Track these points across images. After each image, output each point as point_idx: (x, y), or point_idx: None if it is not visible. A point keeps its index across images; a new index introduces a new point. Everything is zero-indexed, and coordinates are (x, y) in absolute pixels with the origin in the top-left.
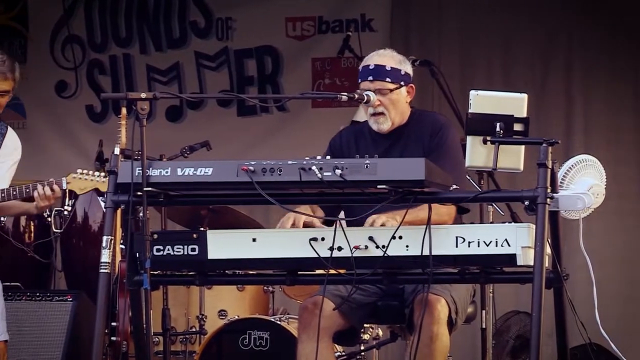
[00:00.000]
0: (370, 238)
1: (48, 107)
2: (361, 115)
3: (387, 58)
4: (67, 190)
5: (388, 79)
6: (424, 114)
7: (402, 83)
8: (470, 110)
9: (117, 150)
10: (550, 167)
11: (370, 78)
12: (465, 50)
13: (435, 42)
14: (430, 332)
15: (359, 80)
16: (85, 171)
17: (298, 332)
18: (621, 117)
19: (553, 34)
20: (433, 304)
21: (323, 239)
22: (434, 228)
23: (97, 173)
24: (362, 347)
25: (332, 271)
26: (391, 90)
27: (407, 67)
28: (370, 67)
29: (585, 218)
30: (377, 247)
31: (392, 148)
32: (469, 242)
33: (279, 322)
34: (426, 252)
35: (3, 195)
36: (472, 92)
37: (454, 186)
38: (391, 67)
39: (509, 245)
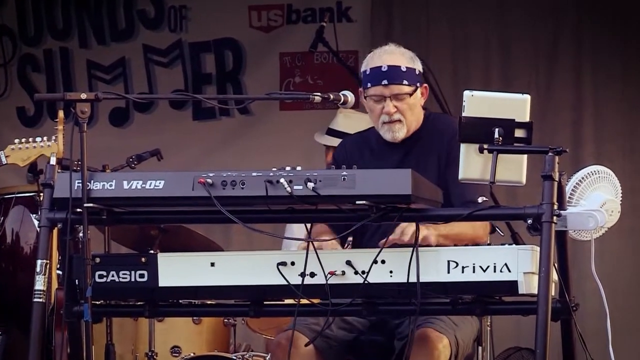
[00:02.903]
0: (348, 262)
1: None
2: (340, 123)
3: (398, 56)
4: None
5: (405, 82)
6: (438, 118)
7: (417, 84)
8: (464, 114)
9: (53, 160)
10: (557, 179)
11: (385, 82)
12: (457, 44)
13: (423, 35)
14: None
15: (367, 85)
16: (24, 139)
17: None
18: (637, 122)
19: (560, 25)
20: (434, 342)
21: (293, 263)
22: (425, 250)
23: (38, 138)
24: None
25: (304, 301)
26: (410, 95)
27: (419, 65)
28: (383, 69)
29: (597, 239)
30: (356, 273)
31: (406, 159)
32: (463, 267)
33: None
34: (413, 279)
35: None
36: (466, 93)
37: (483, 199)
38: (407, 67)
39: (509, 271)
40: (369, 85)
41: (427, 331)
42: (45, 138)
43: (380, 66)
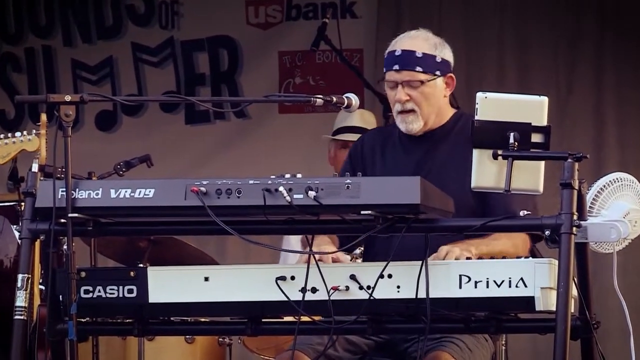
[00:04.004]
0: (353, 277)
1: None
2: (356, 119)
3: (419, 41)
4: None
5: (419, 68)
6: (470, 119)
7: (437, 73)
8: (477, 117)
9: (35, 167)
10: (576, 188)
11: (397, 67)
12: (470, 43)
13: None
14: None
15: (384, 70)
16: (3, 135)
17: None
18: None
19: (580, 22)
20: None
21: (293, 277)
22: (435, 264)
23: (18, 133)
24: None
25: (305, 318)
26: (422, 82)
27: (445, 53)
28: (397, 53)
29: (620, 251)
30: (361, 288)
31: (431, 154)
32: (476, 282)
33: None
34: (422, 295)
35: None
36: (480, 95)
37: (525, 212)
38: (423, 53)
39: (525, 286)
40: (384, 70)
41: (440, 355)
42: (25, 132)
43: (395, 50)
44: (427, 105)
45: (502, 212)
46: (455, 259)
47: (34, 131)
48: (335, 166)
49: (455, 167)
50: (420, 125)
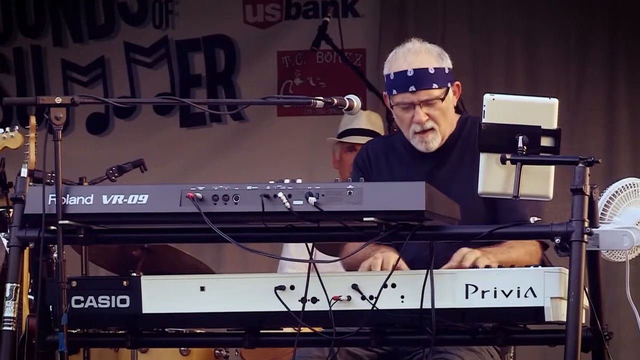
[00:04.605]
0: (355, 287)
1: None
2: (364, 121)
3: (425, 56)
4: None
5: (435, 85)
6: (477, 122)
7: (448, 85)
8: (484, 120)
9: (24, 172)
10: (588, 194)
11: (412, 88)
12: (477, 43)
13: (438, 32)
14: None
15: (393, 92)
16: None
17: None
18: None
19: (591, 20)
20: None
21: (293, 287)
22: (440, 273)
23: (0, 130)
24: None
25: (305, 330)
26: (442, 99)
27: (448, 62)
28: (409, 74)
29: (633, 260)
30: (364, 298)
31: (440, 168)
32: (483, 292)
33: None
34: (427, 305)
35: None
36: (487, 97)
37: (535, 219)
38: (435, 69)
39: (534, 296)
40: (394, 92)
41: None
42: (7, 129)
43: (406, 70)
44: (444, 120)
45: (509, 218)
46: (474, 263)
47: (17, 127)
48: (340, 170)
49: (466, 175)
50: (439, 142)
